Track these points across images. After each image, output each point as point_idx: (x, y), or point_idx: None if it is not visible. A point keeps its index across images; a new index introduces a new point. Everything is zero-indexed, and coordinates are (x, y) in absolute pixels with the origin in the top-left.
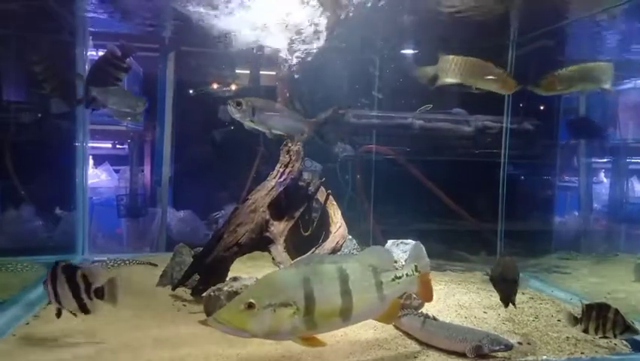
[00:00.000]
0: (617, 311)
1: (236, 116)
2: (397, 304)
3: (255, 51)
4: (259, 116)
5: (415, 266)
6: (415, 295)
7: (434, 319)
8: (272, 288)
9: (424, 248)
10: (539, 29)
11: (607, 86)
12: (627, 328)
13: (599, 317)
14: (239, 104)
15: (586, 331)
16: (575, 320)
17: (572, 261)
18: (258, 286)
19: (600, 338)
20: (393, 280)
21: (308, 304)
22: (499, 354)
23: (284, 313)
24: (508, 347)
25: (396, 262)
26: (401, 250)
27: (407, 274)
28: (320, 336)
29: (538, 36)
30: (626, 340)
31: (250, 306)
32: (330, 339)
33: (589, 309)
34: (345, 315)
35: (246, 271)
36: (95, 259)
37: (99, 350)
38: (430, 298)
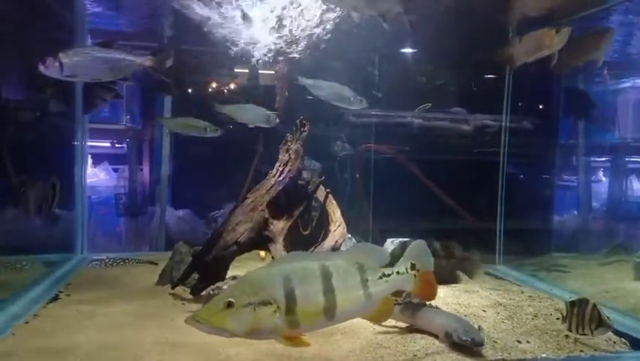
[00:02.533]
0: (594, 306)
1: (49, 74)
2: (389, 302)
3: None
4: (69, 69)
5: (412, 264)
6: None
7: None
8: (252, 286)
9: (426, 246)
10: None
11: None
12: (601, 323)
13: (579, 313)
14: (44, 61)
15: (570, 329)
16: (563, 320)
17: (572, 259)
18: (238, 284)
19: (580, 335)
20: (380, 277)
21: (289, 303)
22: (499, 354)
23: (264, 312)
24: (476, 342)
25: None
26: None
27: (398, 272)
28: (308, 335)
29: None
30: (622, 337)
31: (229, 305)
32: (329, 338)
33: (571, 306)
34: (329, 314)
35: (245, 269)
36: (94, 257)
37: (99, 348)
38: (431, 298)
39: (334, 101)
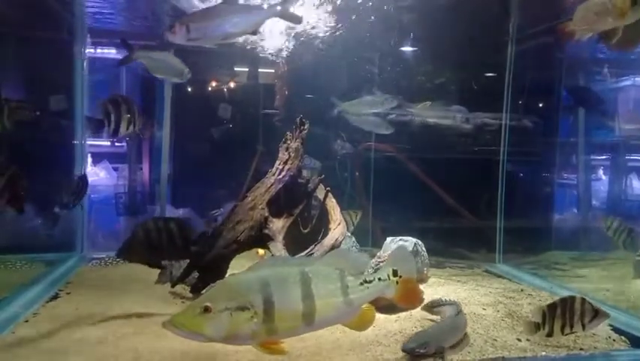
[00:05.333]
0: (583, 300)
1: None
2: (371, 310)
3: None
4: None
5: (394, 271)
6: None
7: None
8: (229, 291)
9: (408, 252)
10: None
11: None
12: (597, 313)
13: (564, 312)
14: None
15: (550, 334)
16: (536, 327)
17: (571, 257)
18: (216, 289)
19: (566, 334)
20: (361, 284)
21: (267, 308)
22: (499, 352)
23: (241, 318)
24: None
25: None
26: None
27: (380, 278)
28: (304, 336)
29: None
30: (622, 335)
31: (206, 309)
32: (329, 336)
33: (551, 309)
34: (308, 320)
35: (244, 268)
36: (94, 256)
37: (99, 346)
38: (413, 305)
39: (445, 122)
